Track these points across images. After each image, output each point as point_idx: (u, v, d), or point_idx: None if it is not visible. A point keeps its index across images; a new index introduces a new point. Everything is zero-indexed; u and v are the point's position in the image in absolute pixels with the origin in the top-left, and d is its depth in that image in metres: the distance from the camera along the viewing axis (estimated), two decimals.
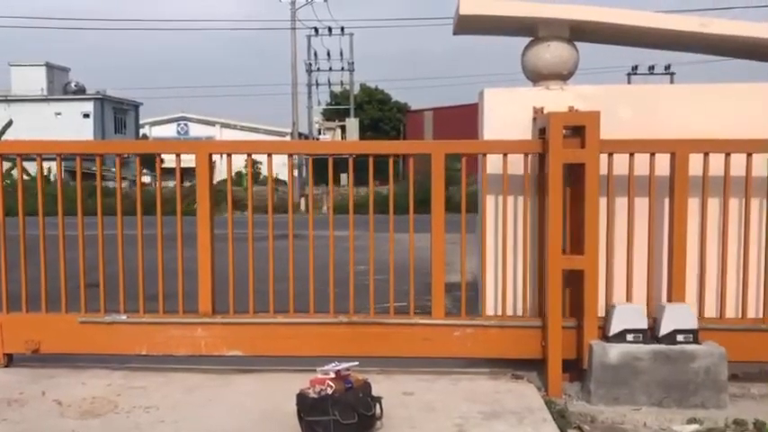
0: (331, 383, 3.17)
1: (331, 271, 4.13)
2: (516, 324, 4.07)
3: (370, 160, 4.10)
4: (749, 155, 3.88)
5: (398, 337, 4.08)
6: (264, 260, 4.10)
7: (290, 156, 4.29)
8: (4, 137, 24.68)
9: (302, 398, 3.20)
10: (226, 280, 4.15)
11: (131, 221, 4.15)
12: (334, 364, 3.26)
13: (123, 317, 4.19)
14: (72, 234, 4.13)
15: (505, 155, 4.01)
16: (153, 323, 4.18)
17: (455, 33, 4.54)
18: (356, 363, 3.37)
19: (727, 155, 3.88)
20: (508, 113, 4.19)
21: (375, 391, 3.31)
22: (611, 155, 3.88)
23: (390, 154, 4.21)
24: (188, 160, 4.23)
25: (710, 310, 3.97)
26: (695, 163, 3.88)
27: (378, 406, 3.27)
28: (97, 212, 4.16)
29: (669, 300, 3.87)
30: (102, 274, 4.20)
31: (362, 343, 4.07)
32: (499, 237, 4.11)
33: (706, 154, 3.89)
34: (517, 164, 4.01)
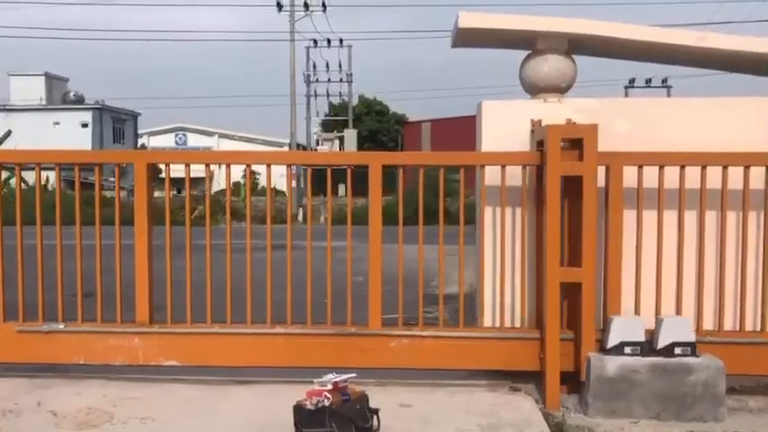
0: (328, 395, 3.16)
1: (269, 280, 4.11)
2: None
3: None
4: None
5: (335, 348, 4.08)
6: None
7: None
8: (3, 146, 24.69)
9: (299, 410, 3.20)
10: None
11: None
12: (331, 376, 3.25)
13: (61, 326, 4.19)
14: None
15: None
16: (91, 332, 4.18)
17: (454, 46, 4.57)
18: (354, 374, 3.37)
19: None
20: (506, 126, 4.21)
21: (372, 403, 3.31)
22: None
23: (326, 165, 4.22)
24: (180, 170, 4.23)
25: (708, 323, 3.97)
26: (693, 176, 3.90)
27: (375, 418, 3.26)
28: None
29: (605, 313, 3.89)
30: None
31: (298, 353, 4.09)
32: (495, 248, 4.11)
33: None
34: (514, 175, 4.02)
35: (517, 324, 4.13)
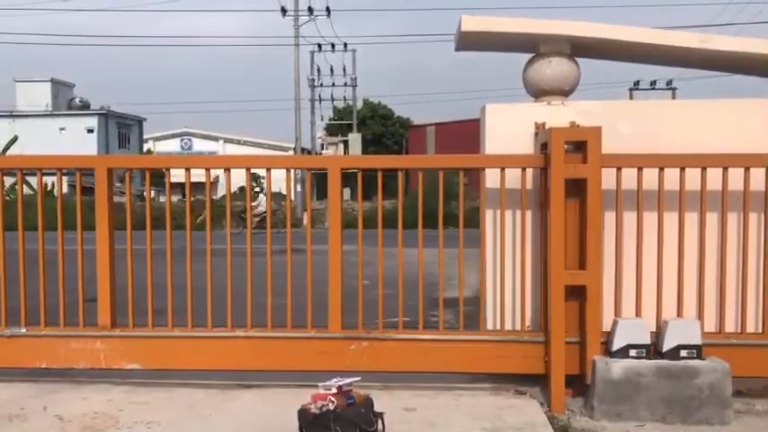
0: (333, 399, 3.17)
1: (229, 284, 4.10)
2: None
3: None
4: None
5: (295, 350, 4.09)
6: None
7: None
8: (9, 152, 24.80)
9: (304, 413, 3.20)
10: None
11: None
12: (336, 380, 3.26)
13: (23, 330, 4.20)
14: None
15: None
16: (53, 336, 4.20)
17: (457, 50, 4.57)
18: (358, 378, 3.37)
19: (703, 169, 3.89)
20: (510, 128, 4.21)
21: (377, 407, 3.31)
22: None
23: (287, 167, 4.24)
24: (197, 175, 4.25)
25: (712, 325, 3.96)
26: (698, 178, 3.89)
27: (380, 422, 3.26)
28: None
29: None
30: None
31: (259, 356, 4.11)
32: (499, 251, 4.10)
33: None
34: (518, 178, 4.02)
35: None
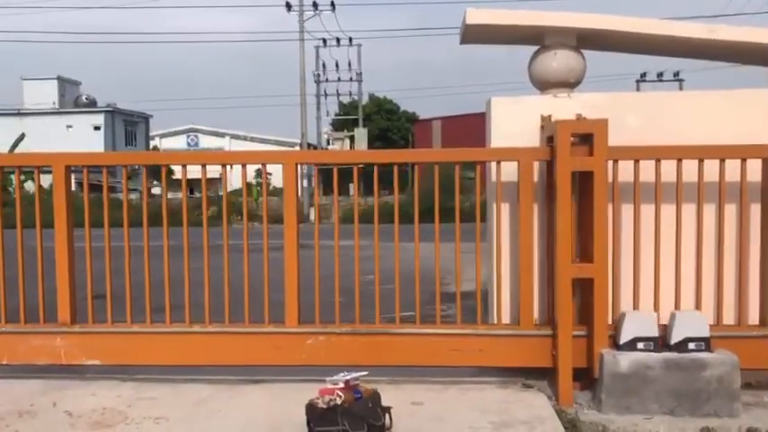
0: (340, 393, 3.17)
1: (186, 280, 4.12)
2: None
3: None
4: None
5: (251, 345, 4.12)
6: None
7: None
8: (17, 150, 24.89)
9: (311, 408, 3.21)
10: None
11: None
12: (343, 374, 3.26)
13: None
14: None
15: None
16: (14, 333, 4.22)
17: (462, 43, 4.56)
18: (365, 372, 3.37)
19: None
20: (516, 121, 4.19)
21: (384, 401, 3.31)
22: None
23: (242, 163, 4.24)
24: (193, 171, 4.26)
25: (725, 318, 3.94)
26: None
27: (387, 416, 3.27)
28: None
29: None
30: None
31: (215, 351, 4.14)
32: (505, 245, 4.10)
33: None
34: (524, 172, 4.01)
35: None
